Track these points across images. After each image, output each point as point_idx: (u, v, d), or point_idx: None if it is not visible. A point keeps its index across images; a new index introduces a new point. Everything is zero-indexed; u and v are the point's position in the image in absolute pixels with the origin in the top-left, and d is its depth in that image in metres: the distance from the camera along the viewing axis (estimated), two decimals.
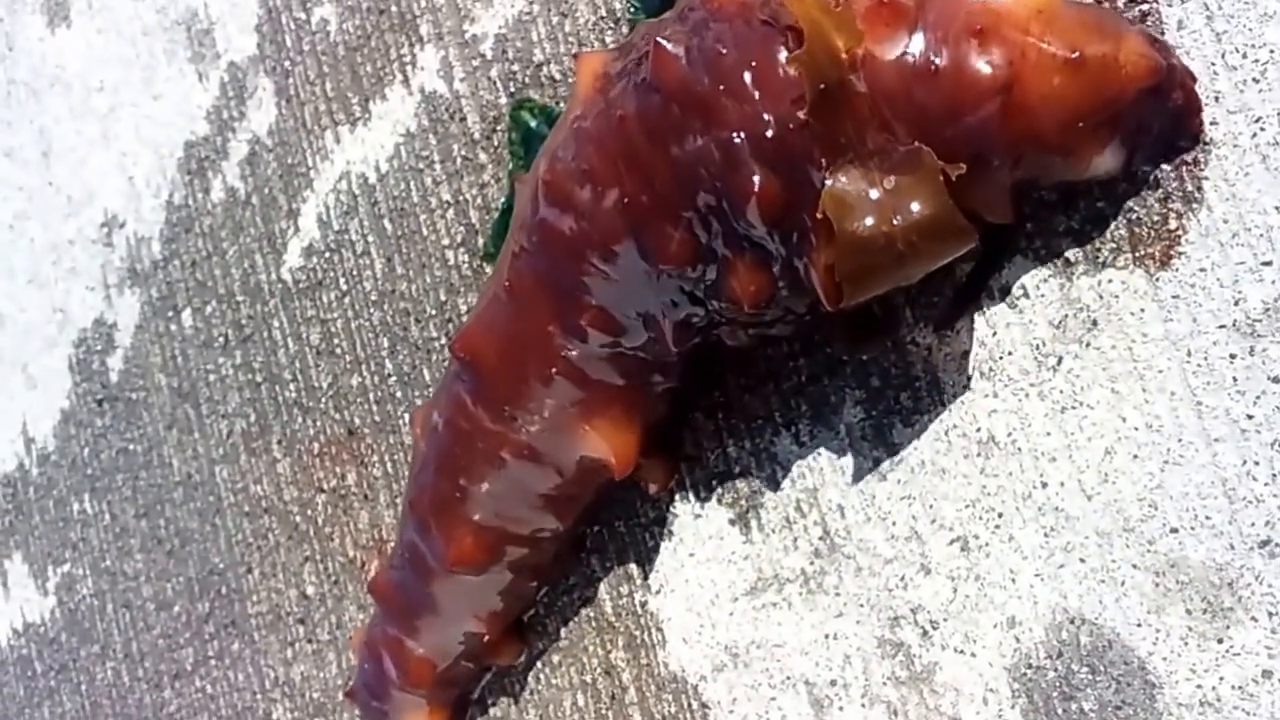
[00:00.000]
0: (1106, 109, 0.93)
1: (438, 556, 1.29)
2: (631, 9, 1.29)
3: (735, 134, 0.97)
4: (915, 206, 0.95)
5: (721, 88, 0.98)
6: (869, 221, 0.95)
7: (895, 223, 0.95)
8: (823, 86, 0.93)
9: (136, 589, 1.83)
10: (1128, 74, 0.93)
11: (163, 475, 1.79)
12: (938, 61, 0.93)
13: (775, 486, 1.23)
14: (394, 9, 1.48)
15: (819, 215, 0.96)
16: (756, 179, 0.97)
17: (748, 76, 0.97)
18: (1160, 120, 0.98)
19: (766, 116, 0.96)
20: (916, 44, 0.94)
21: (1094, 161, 0.96)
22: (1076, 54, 0.91)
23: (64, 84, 1.89)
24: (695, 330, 1.13)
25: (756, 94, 0.96)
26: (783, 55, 0.95)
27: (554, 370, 1.17)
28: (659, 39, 1.00)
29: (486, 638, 1.38)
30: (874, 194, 0.95)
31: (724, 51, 0.98)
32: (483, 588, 1.32)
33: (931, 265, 0.99)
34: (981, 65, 0.92)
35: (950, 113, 0.94)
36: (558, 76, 1.35)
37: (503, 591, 1.34)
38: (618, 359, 1.17)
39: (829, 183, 0.95)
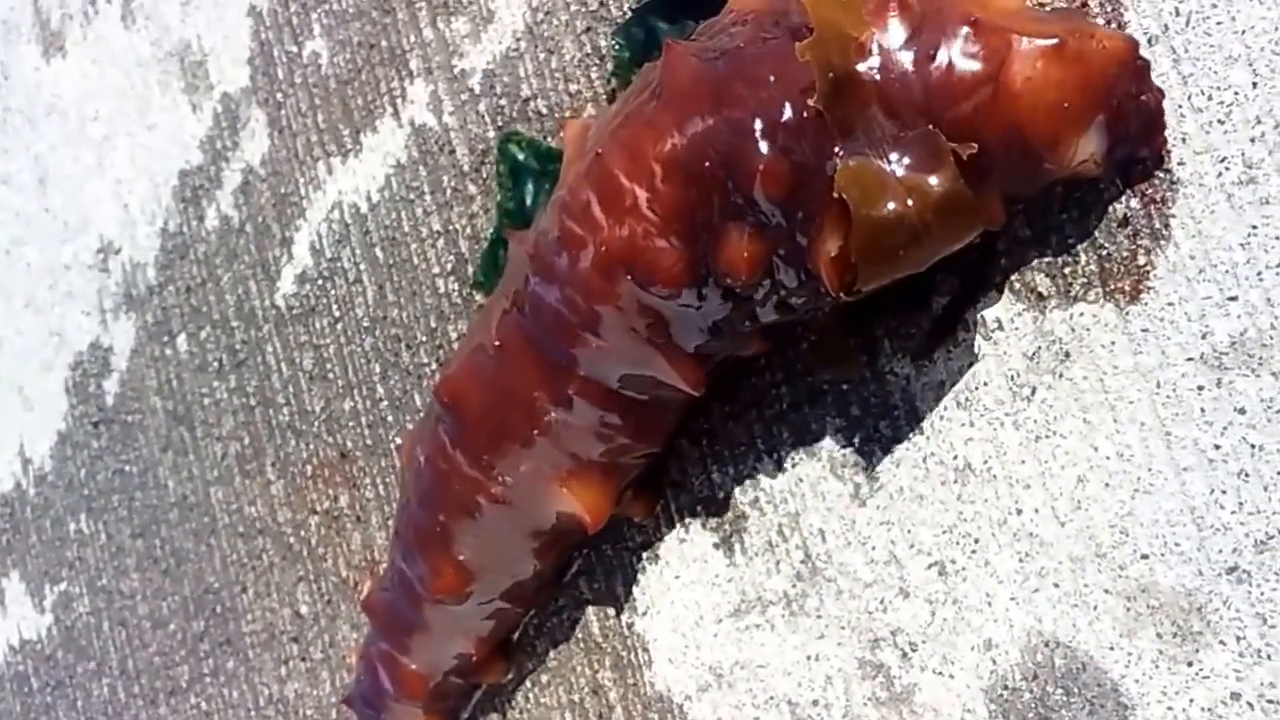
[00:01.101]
0: (1088, 87, 0.94)
1: (423, 584, 1.30)
2: (616, 45, 1.29)
3: (745, 116, 0.97)
4: (931, 183, 0.94)
5: (734, 75, 0.98)
6: (886, 202, 0.94)
7: (910, 202, 0.94)
8: (832, 75, 0.93)
9: (132, 607, 1.83)
10: (1105, 51, 0.94)
11: (158, 496, 1.78)
12: (935, 51, 0.94)
13: (758, 511, 1.23)
14: (384, 44, 1.48)
15: (834, 195, 0.94)
16: (764, 155, 0.96)
17: (759, 65, 0.97)
18: (1135, 119, 0.98)
19: (778, 101, 0.96)
20: (917, 35, 0.95)
21: (1078, 146, 0.95)
22: (1056, 39, 0.93)
23: (60, 112, 1.88)
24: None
25: (769, 79, 0.96)
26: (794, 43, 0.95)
27: (535, 432, 1.17)
28: (670, 40, 1.02)
29: (474, 657, 1.38)
30: (888, 175, 0.94)
31: (740, 46, 0.99)
32: (467, 613, 1.32)
33: (946, 247, 0.97)
34: (974, 54, 0.94)
35: (947, 100, 0.94)
36: (544, 111, 1.36)
37: (487, 617, 1.34)
38: (600, 433, 1.17)
39: (842, 164, 0.94)
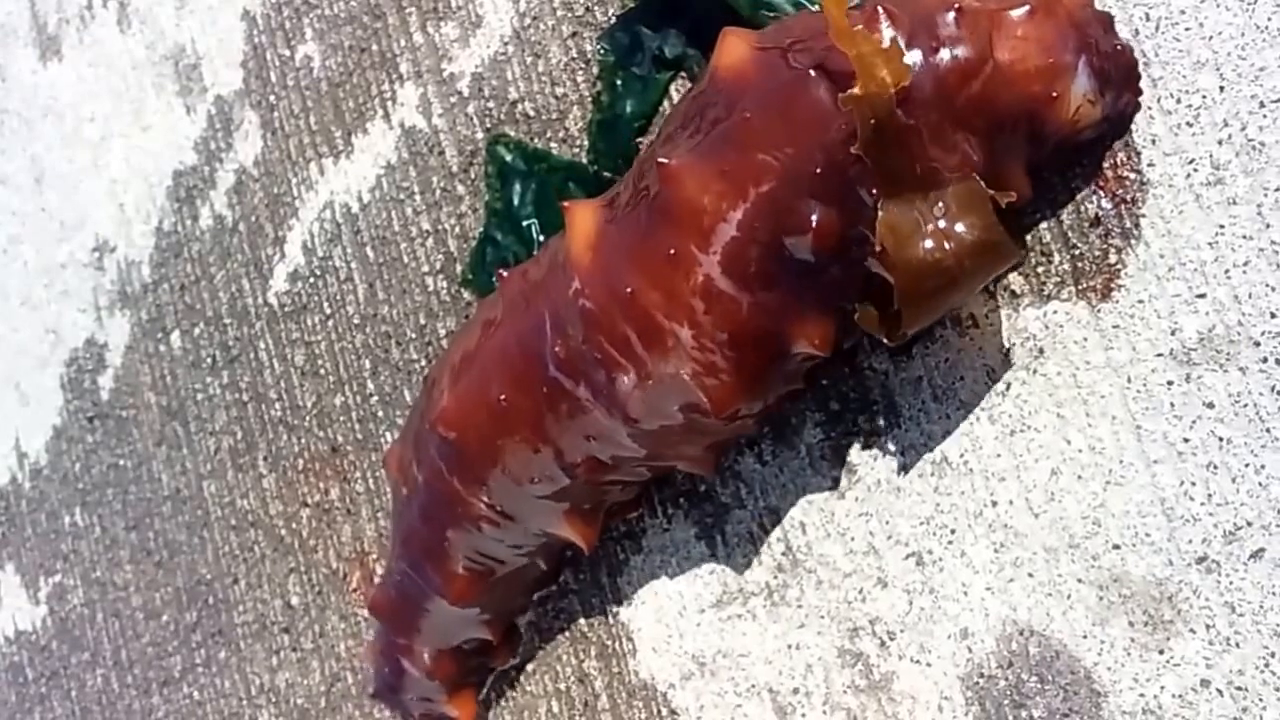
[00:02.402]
0: (1064, 34, 0.96)
1: (436, 590, 1.30)
2: (601, 50, 1.30)
3: (778, 184, 0.97)
4: (966, 231, 0.95)
5: (748, 150, 0.98)
6: (926, 246, 0.95)
7: (948, 247, 0.95)
8: (874, 121, 0.93)
9: (126, 599, 1.82)
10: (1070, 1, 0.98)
11: (152, 489, 1.78)
12: (935, 47, 0.95)
13: (740, 504, 1.23)
14: (375, 48, 1.48)
15: (876, 248, 0.96)
16: (815, 216, 0.97)
17: (777, 128, 0.97)
18: (1113, 63, 0.99)
19: (810, 157, 0.96)
20: (914, 38, 0.95)
21: (1071, 92, 0.96)
22: (1027, 6, 0.96)
23: (56, 114, 1.88)
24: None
25: (793, 140, 0.96)
26: (823, 91, 0.95)
27: (533, 478, 1.18)
28: (663, 159, 1.01)
29: (490, 640, 1.38)
30: (927, 223, 0.95)
31: (746, 116, 0.99)
32: (480, 606, 1.33)
33: (983, 284, 0.99)
34: (966, 38, 0.95)
35: (956, 87, 0.95)
36: (531, 113, 1.36)
37: (498, 605, 1.34)
38: (603, 485, 1.20)
39: (881, 214, 0.95)
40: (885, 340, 1.00)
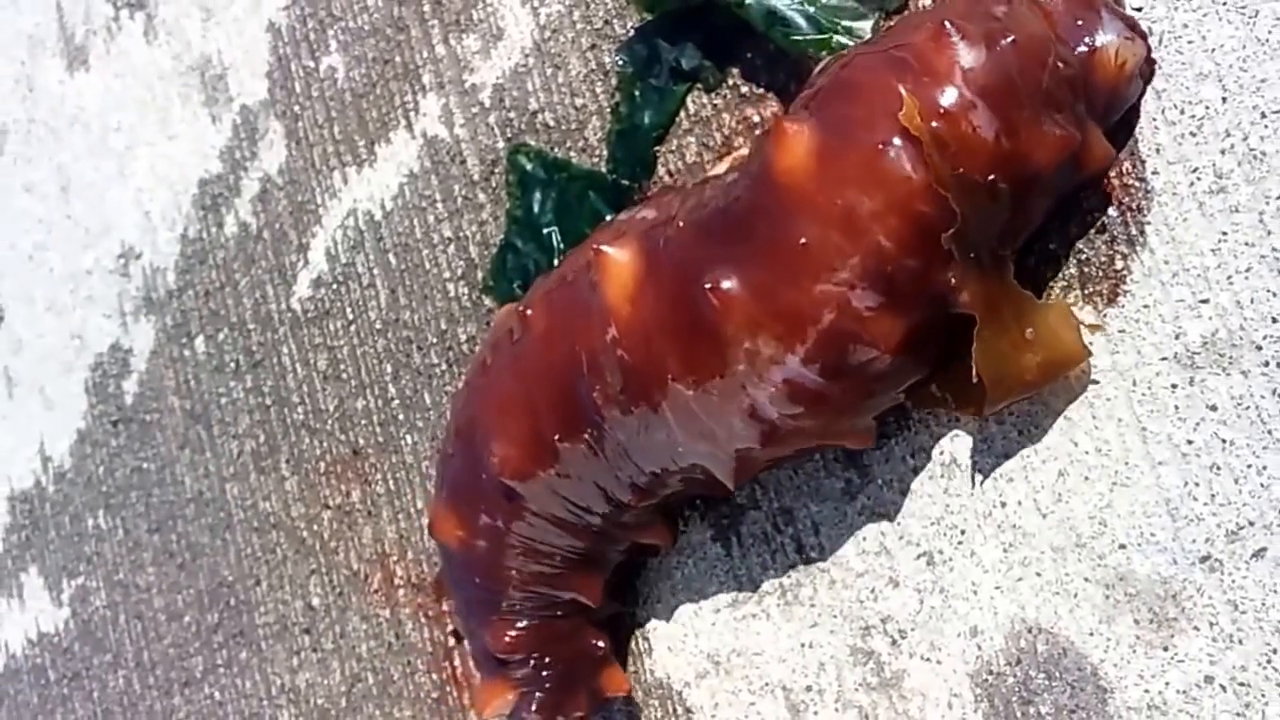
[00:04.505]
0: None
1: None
2: (620, 62, 1.31)
3: (852, 286, 0.97)
4: (1056, 355, 1.00)
5: (836, 243, 0.96)
6: (1018, 371, 1.00)
7: (1038, 365, 1.00)
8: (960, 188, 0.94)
9: (148, 600, 1.83)
10: None
11: (175, 492, 1.78)
12: (1013, 42, 0.96)
13: (755, 505, 1.24)
14: (398, 59, 1.50)
15: (974, 378, 0.99)
16: (879, 332, 0.98)
17: (864, 208, 0.95)
18: (1122, 17, 1.00)
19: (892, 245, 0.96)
20: (990, 44, 0.96)
21: (1107, 42, 0.98)
22: None
23: (83, 124, 1.90)
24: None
25: (879, 223, 0.95)
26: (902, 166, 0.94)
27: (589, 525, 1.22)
28: (714, 284, 1.01)
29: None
30: (1020, 352, 0.99)
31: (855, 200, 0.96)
32: None
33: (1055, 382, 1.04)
34: (1030, 24, 0.97)
35: (1039, 71, 0.96)
36: (551, 124, 1.37)
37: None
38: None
39: (977, 343, 0.97)
40: (967, 414, 1.06)
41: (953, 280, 0.95)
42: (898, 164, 0.93)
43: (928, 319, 0.99)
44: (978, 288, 0.96)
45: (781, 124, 0.97)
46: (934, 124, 0.93)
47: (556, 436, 1.14)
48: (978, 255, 0.96)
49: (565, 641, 1.27)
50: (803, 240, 0.96)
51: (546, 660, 1.25)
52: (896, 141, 0.93)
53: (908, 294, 0.97)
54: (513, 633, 1.26)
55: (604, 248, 1.08)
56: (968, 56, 0.94)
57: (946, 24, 0.95)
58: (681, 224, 1.05)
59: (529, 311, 1.16)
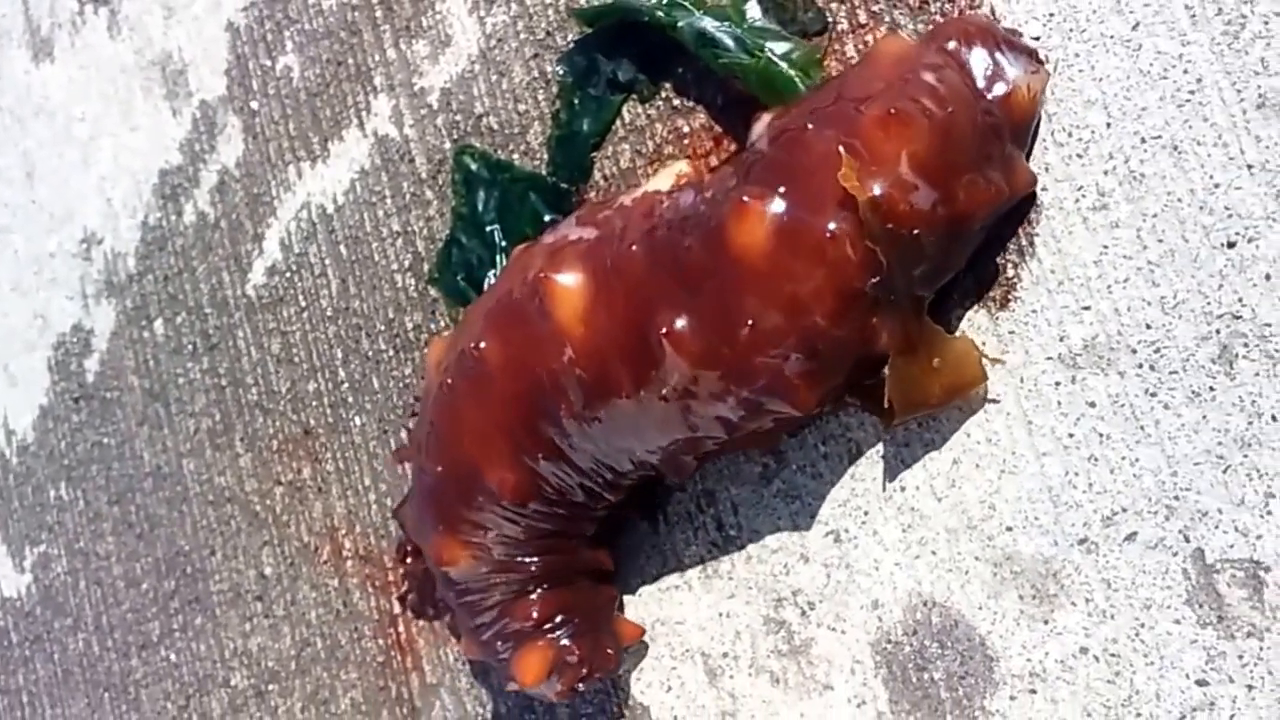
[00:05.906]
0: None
1: None
2: (561, 71, 1.32)
3: (793, 354, 1.01)
4: (958, 381, 1.05)
5: (778, 315, 1.00)
6: (924, 395, 1.04)
7: (941, 386, 1.04)
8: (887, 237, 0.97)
9: (108, 568, 1.80)
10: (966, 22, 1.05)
11: (134, 466, 1.76)
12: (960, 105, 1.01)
13: (679, 487, 1.26)
14: (351, 62, 1.49)
15: (885, 404, 1.03)
16: (801, 389, 1.03)
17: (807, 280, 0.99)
18: (1015, 44, 1.05)
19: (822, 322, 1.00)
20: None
21: (1013, 79, 1.03)
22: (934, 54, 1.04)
23: (48, 113, 1.86)
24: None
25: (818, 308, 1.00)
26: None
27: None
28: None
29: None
30: (927, 377, 1.04)
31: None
32: None
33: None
34: (966, 90, 1.02)
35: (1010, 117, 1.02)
36: (495, 127, 1.37)
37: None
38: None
39: (887, 371, 1.02)
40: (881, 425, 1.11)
41: (874, 323, 1.00)
42: (842, 248, 0.97)
43: (848, 373, 1.05)
44: (897, 329, 1.01)
45: (742, 200, 0.99)
46: (874, 194, 0.96)
47: (540, 455, 1.15)
48: (898, 299, 1.00)
49: (584, 595, 1.26)
50: (750, 321, 1.00)
51: (574, 620, 1.24)
52: (845, 227, 0.97)
53: (833, 359, 1.02)
54: (537, 602, 1.23)
55: (552, 275, 1.09)
56: (913, 142, 0.97)
57: (892, 110, 0.97)
58: (635, 248, 1.07)
59: (482, 345, 1.14)
